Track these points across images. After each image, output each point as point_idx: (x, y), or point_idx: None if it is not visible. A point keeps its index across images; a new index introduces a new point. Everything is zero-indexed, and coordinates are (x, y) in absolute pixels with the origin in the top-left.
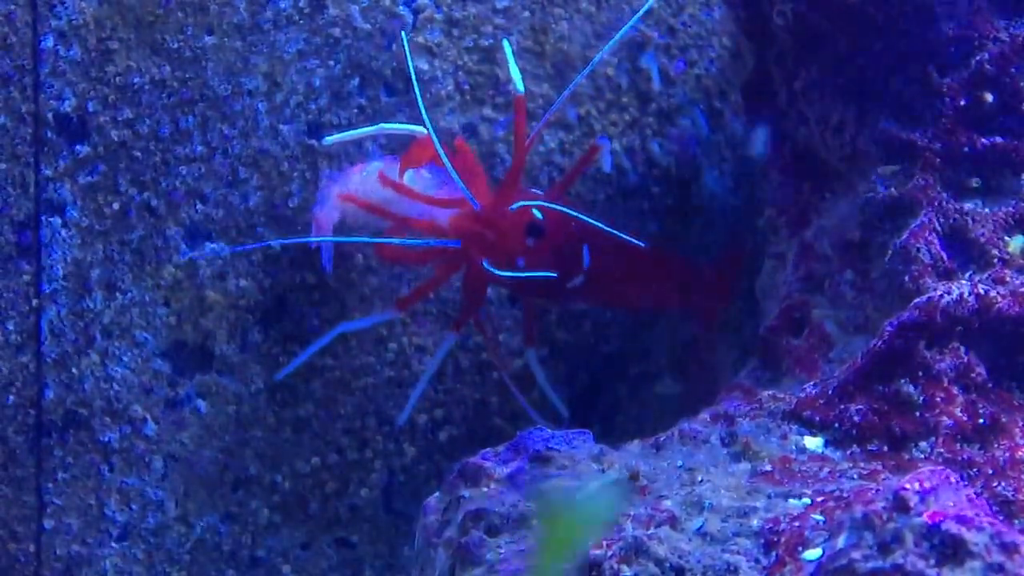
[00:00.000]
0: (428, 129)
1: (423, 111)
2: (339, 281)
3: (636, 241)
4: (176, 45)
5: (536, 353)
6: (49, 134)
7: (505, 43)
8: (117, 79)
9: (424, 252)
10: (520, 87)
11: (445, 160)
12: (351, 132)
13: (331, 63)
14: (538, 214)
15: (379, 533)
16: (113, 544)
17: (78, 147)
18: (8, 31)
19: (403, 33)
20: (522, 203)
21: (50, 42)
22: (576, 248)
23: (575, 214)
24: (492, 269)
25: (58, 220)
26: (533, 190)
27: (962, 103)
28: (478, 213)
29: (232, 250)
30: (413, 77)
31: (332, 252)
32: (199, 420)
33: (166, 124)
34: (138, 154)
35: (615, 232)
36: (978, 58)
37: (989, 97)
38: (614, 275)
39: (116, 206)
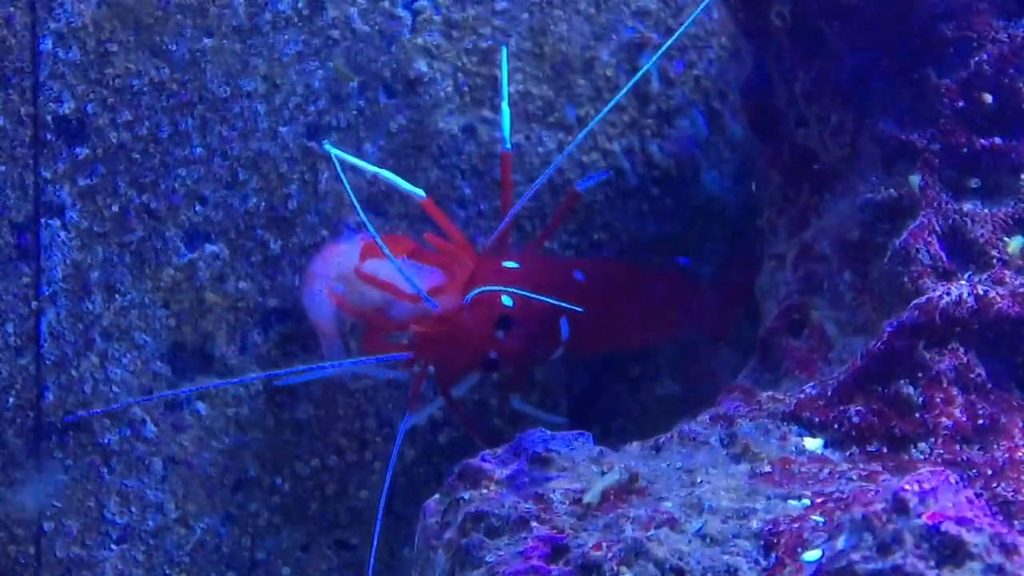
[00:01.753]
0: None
1: (373, 231)
2: None
3: (575, 307)
4: (175, 47)
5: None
6: (48, 136)
7: (504, 106)
8: (116, 81)
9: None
10: (508, 144)
11: (395, 263)
12: (354, 159)
13: (330, 65)
14: (508, 300)
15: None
16: (113, 546)
17: (77, 149)
18: (7, 33)
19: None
20: (482, 290)
21: (49, 44)
22: (553, 321)
23: (541, 299)
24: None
25: (57, 222)
26: (508, 264)
27: (961, 104)
28: (440, 315)
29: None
30: (360, 211)
31: (342, 350)
32: (199, 422)
33: (165, 126)
34: (137, 156)
35: (568, 306)
36: (977, 59)
37: (988, 98)
38: (610, 323)
39: (115, 208)
